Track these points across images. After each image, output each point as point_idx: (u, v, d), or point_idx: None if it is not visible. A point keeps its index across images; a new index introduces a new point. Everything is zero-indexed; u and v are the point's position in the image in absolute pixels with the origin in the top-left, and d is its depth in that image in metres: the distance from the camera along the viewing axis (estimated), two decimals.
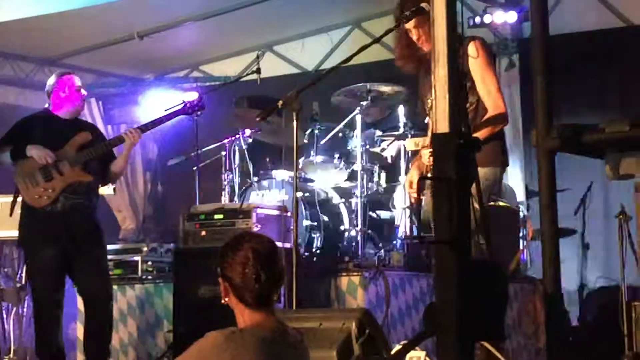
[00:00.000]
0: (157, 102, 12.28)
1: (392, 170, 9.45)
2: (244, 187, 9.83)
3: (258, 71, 10.68)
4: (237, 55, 13.32)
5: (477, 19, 11.35)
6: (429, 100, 6.80)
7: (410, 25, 6.80)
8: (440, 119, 4.05)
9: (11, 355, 9.55)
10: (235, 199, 9.78)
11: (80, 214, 8.00)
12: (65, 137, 8.07)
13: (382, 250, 9.23)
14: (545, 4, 4.41)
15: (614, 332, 7.77)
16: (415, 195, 6.97)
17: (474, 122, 6.52)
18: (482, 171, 6.30)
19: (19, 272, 9.94)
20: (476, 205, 5.64)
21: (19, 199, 8.42)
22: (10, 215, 8.97)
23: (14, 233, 9.34)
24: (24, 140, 8.11)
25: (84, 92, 8.27)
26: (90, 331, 8.12)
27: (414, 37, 6.81)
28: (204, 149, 9.68)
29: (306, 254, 8.57)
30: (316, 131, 9.67)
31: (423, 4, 6.50)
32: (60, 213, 7.96)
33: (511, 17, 11.28)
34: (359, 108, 9.59)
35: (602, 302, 10.04)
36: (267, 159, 9.88)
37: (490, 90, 6.52)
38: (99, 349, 7.98)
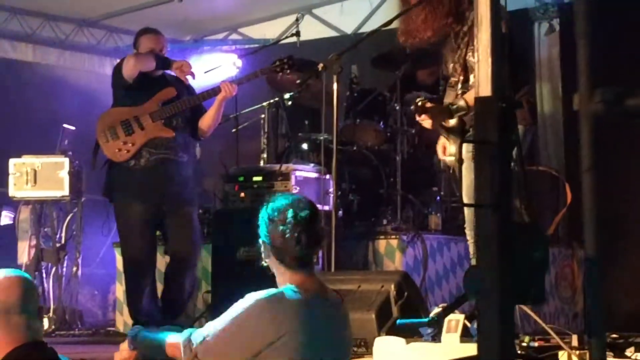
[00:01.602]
0: (195, 65, 12.35)
1: (433, 132, 9.43)
2: (283, 150, 9.81)
3: (297, 34, 10.55)
4: (276, 18, 13.17)
5: None
6: (450, 65, 6.81)
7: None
8: (482, 83, 4.02)
9: (50, 314, 9.59)
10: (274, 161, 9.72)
11: (167, 170, 7.96)
12: (151, 91, 8.01)
13: (421, 214, 9.21)
14: None
15: None
16: (447, 160, 6.98)
17: None
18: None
19: (59, 232, 10.00)
20: (517, 169, 5.70)
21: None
22: (92, 169, 9.11)
23: (53, 193, 9.47)
24: (124, 94, 8.33)
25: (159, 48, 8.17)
26: (173, 291, 8.19)
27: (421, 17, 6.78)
28: (243, 112, 9.70)
29: (345, 216, 8.57)
30: (355, 94, 9.63)
31: None
32: (145, 169, 7.97)
33: None
34: (397, 71, 9.54)
35: None
36: (306, 122, 9.85)
37: None
38: (178, 310, 7.97)
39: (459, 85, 6.79)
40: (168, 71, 8.24)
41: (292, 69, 8.29)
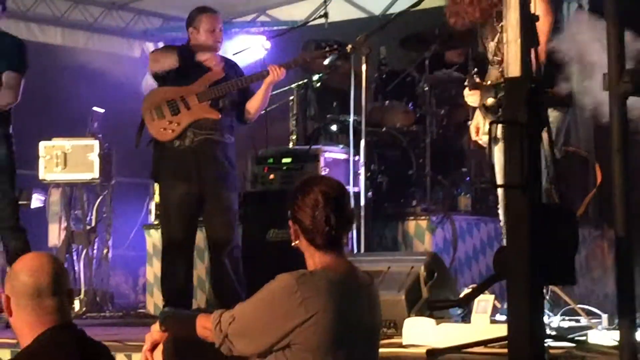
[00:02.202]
0: (224, 47, 12.41)
1: (463, 112, 9.43)
2: (312, 131, 9.85)
3: (325, 15, 10.46)
4: (303, 0, 13.26)
5: None
6: (491, 44, 6.83)
7: None
8: (512, 63, 4.07)
9: (81, 296, 9.68)
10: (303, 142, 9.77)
11: (210, 150, 8.00)
12: (199, 72, 8.05)
13: (450, 195, 9.23)
14: None
15: None
16: (480, 141, 7.01)
17: None
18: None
19: (89, 214, 10.10)
20: (547, 150, 5.71)
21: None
22: (136, 147, 8.94)
23: (83, 176, 9.57)
24: (160, 74, 8.31)
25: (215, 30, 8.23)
26: (215, 276, 8.21)
27: None
28: (272, 93, 9.77)
29: (374, 198, 8.61)
30: (384, 75, 9.67)
31: None
32: (189, 149, 8.00)
33: None
34: (426, 52, 9.56)
35: None
36: (335, 104, 9.86)
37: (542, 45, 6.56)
38: (227, 292, 8.00)
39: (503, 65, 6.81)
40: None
41: (340, 54, 8.31)
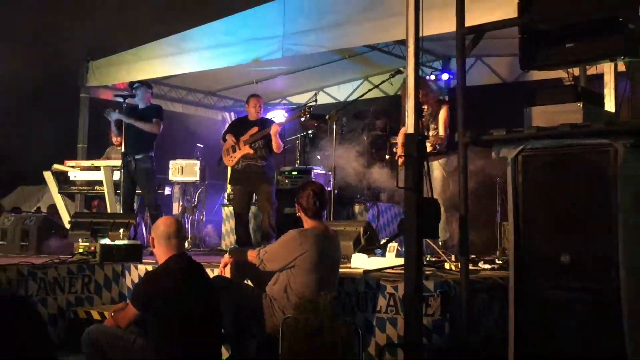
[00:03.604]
0: (265, 113, 12.51)
1: (385, 152, 9.43)
2: (307, 159, 9.88)
3: (315, 101, 11.04)
4: (305, 92, 13.10)
5: (429, 77, 11.15)
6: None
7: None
8: (409, 126, 4.16)
9: (189, 239, 9.56)
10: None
11: (251, 169, 7.87)
12: (247, 129, 8.03)
13: (376, 193, 9.25)
14: (464, 68, 4.46)
15: None
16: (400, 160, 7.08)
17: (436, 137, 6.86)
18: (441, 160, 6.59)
19: (193, 198, 10.27)
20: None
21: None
22: (217, 171, 9.76)
23: (191, 179, 10.07)
24: (228, 131, 8.25)
25: (256, 106, 8.33)
26: (263, 228, 8.04)
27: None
28: (287, 139, 9.76)
29: (338, 193, 8.63)
30: (343, 132, 9.67)
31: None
32: (241, 169, 7.97)
33: (445, 76, 11.13)
34: (366, 120, 9.65)
35: None
36: (319, 145, 9.91)
37: (444, 128, 6.66)
38: (267, 236, 8.09)
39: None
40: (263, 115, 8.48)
41: (310, 115, 8.39)
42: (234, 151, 8.01)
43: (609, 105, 6.39)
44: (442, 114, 6.73)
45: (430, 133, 6.84)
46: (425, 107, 6.91)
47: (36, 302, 5.54)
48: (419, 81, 6.89)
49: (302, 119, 8.41)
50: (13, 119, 13.42)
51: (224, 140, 8.26)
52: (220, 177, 10.72)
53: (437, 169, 6.78)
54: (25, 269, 5.60)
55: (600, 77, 7.04)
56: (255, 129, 7.99)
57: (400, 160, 6.88)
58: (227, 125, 12.71)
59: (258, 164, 7.91)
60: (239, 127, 8.17)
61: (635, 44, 3.82)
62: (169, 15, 11.72)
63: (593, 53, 4.03)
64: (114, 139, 9.15)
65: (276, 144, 7.91)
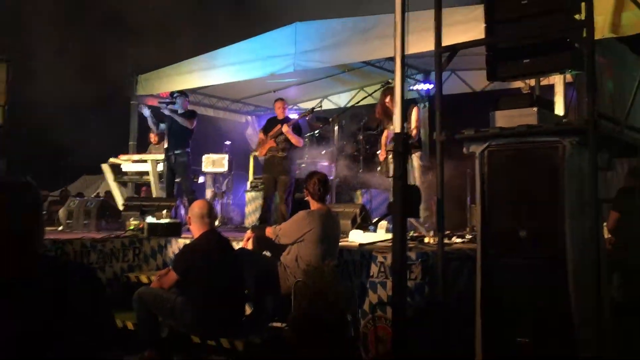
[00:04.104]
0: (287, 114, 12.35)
1: (377, 147, 9.34)
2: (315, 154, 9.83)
3: (321, 106, 10.83)
4: (313, 100, 13.00)
5: (412, 87, 11.04)
6: (390, 127, 6.86)
7: (384, 97, 6.83)
8: (397, 127, 4.13)
9: (219, 218, 9.53)
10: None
11: (274, 159, 7.55)
12: (274, 126, 7.74)
13: (370, 182, 9.21)
14: (440, 80, 4.44)
15: None
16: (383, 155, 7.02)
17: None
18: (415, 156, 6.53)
19: (222, 185, 10.32)
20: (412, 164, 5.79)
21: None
22: (256, 154, 8.99)
23: (220, 169, 10.16)
24: (262, 128, 7.95)
25: (281, 108, 8.24)
26: (279, 208, 8.15)
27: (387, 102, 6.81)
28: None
29: (339, 181, 8.58)
30: (343, 132, 9.64)
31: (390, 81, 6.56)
32: (267, 159, 7.73)
33: (426, 86, 11.06)
34: (361, 122, 9.58)
35: None
36: (323, 143, 9.85)
37: (414, 127, 6.57)
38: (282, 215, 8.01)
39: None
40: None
41: (313, 115, 8.28)
42: (264, 144, 7.84)
43: (559, 109, 6.35)
44: (413, 113, 6.54)
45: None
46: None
47: (96, 269, 5.55)
48: (389, 89, 6.87)
49: (307, 117, 8.36)
50: (78, 122, 13.48)
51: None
52: (244, 169, 10.69)
53: (415, 160, 6.76)
54: (87, 242, 5.64)
55: (551, 87, 6.99)
56: (279, 126, 7.81)
57: (382, 156, 6.85)
58: (249, 126, 12.73)
59: (279, 155, 7.63)
60: (269, 124, 7.94)
61: (580, 59, 3.77)
62: (202, 37, 11.72)
63: (545, 67, 4.01)
64: (152, 138, 9.20)
65: (293, 139, 7.64)
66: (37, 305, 1.71)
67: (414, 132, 6.58)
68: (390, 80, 6.68)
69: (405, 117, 6.30)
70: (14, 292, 1.67)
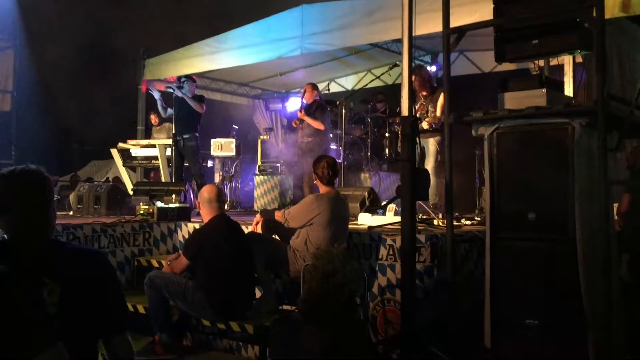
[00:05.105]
0: (289, 103, 12.24)
1: (384, 130, 9.30)
2: None
3: (328, 89, 10.72)
4: (320, 82, 12.83)
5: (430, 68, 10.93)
6: (418, 105, 6.83)
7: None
8: (404, 109, 4.12)
9: (228, 202, 9.49)
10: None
11: (302, 144, 7.46)
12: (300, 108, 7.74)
13: (378, 164, 9.19)
14: (448, 61, 4.41)
15: None
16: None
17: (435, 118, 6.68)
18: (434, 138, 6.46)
19: (230, 169, 10.18)
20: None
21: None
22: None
23: (229, 154, 10.02)
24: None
25: (306, 93, 8.02)
26: (294, 193, 7.93)
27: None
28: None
29: (347, 164, 8.55)
30: (351, 114, 9.56)
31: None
32: (298, 144, 7.57)
33: (433, 68, 10.89)
34: (369, 105, 9.57)
35: None
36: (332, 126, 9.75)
37: (439, 112, 6.53)
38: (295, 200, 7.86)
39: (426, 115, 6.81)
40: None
41: (334, 106, 8.16)
42: (298, 129, 7.85)
43: (568, 90, 6.26)
44: (440, 98, 6.52)
45: (429, 114, 6.69)
46: (425, 93, 6.83)
47: (107, 253, 5.59)
48: (420, 71, 6.81)
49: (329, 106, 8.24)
50: (87, 108, 13.47)
51: None
52: (253, 152, 10.57)
53: (432, 145, 6.66)
54: (98, 227, 5.65)
55: (561, 68, 6.92)
56: (301, 110, 7.79)
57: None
58: (256, 110, 12.71)
59: (304, 140, 7.59)
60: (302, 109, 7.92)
61: (589, 40, 3.71)
62: (209, 20, 11.66)
63: (554, 47, 3.94)
64: (153, 120, 9.23)
65: (313, 124, 7.48)
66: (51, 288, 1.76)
67: (438, 116, 6.56)
68: (398, 63, 6.63)
69: (432, 102, 6.23)
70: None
